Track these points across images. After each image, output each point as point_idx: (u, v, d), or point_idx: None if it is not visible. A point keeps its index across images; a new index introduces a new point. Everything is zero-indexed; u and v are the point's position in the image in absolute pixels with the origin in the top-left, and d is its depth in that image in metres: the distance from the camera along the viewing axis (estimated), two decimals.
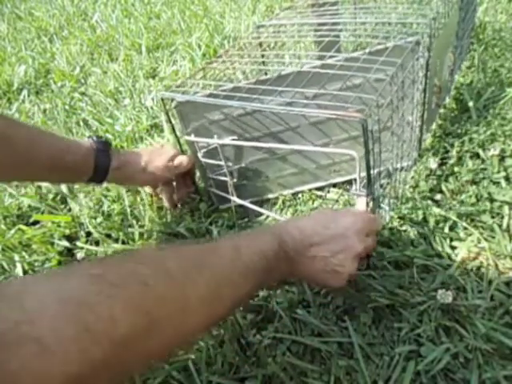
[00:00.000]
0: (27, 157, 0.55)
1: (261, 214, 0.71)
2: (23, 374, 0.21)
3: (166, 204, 0.74)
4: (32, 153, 0.55)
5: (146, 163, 0.66)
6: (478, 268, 0.54)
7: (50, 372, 0.22)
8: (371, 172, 0.49)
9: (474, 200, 0.62)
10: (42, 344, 0.22)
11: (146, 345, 0.28)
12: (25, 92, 1.33)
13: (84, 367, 0.23)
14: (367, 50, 0.58)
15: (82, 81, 1.37)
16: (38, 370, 0.21)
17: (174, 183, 0.72)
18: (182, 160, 0.68)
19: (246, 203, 0.70)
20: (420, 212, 0.62)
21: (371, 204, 0.54)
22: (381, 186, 0.59)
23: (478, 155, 0.70)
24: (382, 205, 0.60)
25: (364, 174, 0.50)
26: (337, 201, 0.69)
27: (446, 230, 0.59)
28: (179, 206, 0.75)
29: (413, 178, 0.69)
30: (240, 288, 0.38)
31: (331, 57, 0.59)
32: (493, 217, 0.60)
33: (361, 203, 0.53)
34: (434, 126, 0.79)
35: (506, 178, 0.64)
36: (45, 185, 0.84)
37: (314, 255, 0.45)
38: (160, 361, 0.31)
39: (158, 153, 0.68)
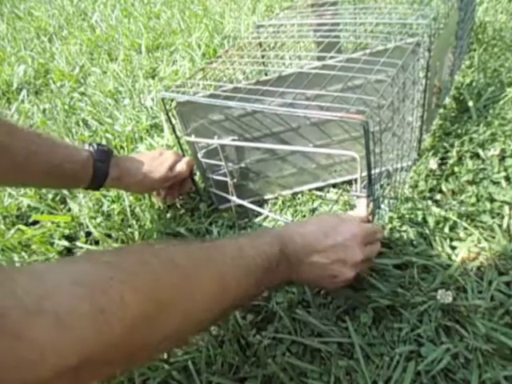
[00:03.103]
0: (25, 165, 0.55)
1: (260, 214, 0.71)
2: (43, 343, 0.22)
3: (159, 203, 0.75)
4: (30, 160, 0.55)
5: (145, 174, 0.66)
6: (478, 268, 0.54)
7: (66, 345, 0.23)
8: (372, 173, 0.49)
9: (474, 200, 0.62)
10: (59, 318, 0.23)
11: (155, 331, 0.29)
12: (24, 92, 1.33)
13: (97, 347, 0.24)
14: (368, 51, 0.58)
15: (82, 81, 1.37)
16: (55, 341, 0.23)
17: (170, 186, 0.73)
18: (181, 170, 0.68)
19: (246, 203, 0.70)
20: (420, 212, 0.62)
21: (371, 205, 0.54)
22: (381, 186, 0.59)
23: (478, 155, 0.70)
24: (381, 205, 0.60)
25: (364, 174, 0.50)
26: (336, 201, 0.69)
27: (446, 230, 0.59)
28: (178, 205, 0.75)
29: (412, 178, 0.69)
30: (242, 285, 0.39)
31: (332, 57, 0.59)
32: (493, 217, 0.60)
33: (361, 204, 0.53)
34: (434, 126, 0.79)
35: (506, 178, 0.64)
36: None
37: (313, 261, 0.46)
38: (167, 350, 0.33)
39: (158, 161, 0.68)
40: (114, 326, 0.25)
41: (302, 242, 0.46)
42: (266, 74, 0.81)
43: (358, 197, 0.53)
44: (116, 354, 0.26)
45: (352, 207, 0.68)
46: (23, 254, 0.71)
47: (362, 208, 0.54)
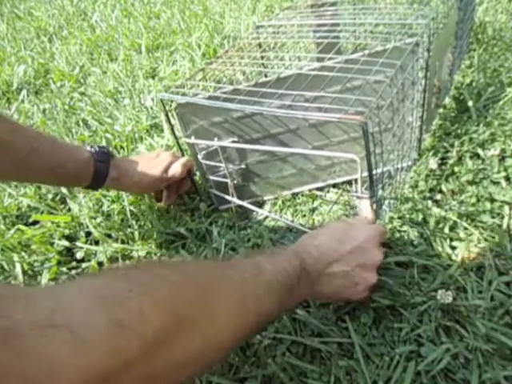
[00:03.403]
0: (27, 162, 0.55)
1: (261, 215, 0.71)
2: (53, 360, 0.20)
3: (159, 204, 0.75)
4: (32, 158, 0.55)
5: (141, 175, 0.67)
6: (478, 268, 0.54)
7: (79, 362, 0.21)
8: (373, 174, 0.49)
9: (474, 200, 0.62)
10: (73, 332, 0.21)
11: (176, 350, 0.27)
12: (24, 92, 1.33)
13: (114, 363, 0.22)
14: (366, 52, 0.58)
15: (82, 81, 1.37)
16: (67, 357, 0.21)
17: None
18: (175, 172, 0.68)
19: (246, 204, 0.70)
20: (420, 212, 0.62)
21: (375, 206, 0.54)
22: (382, 187, 0.59)
23: (478, 155, 0.70)
24: (382, 206, 0.60)
25: (365, 175, 0.50)
26: (336, 201, 0.69)
27: (446, 230, 0.59)
28: (178, 205, 0.75)
29: (412, 178, 0.69)
30: (265, 304, 0.36)
31: (330, 58, 0.59)
32: (493, 217, 0.60)
33: (365, 206, 0.53)
34: (434, 126, 0.79)
35: (507, 178, 0.64)
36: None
37: (333, 272, 0.44)
38: (190, 376, 0.29)
39: (154, 163, 0.68)
40: (133, 342, 0.23)
41: (318, 254, 0.44)
42: (265, 75, 0.81)
43: (359, 198, 0.53)
44: (134, 374, 0.24)
45: (352, 207, 0.68)
46: (23, 254, 0.71)
47: (366, 210, 0.53)
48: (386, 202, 0.62)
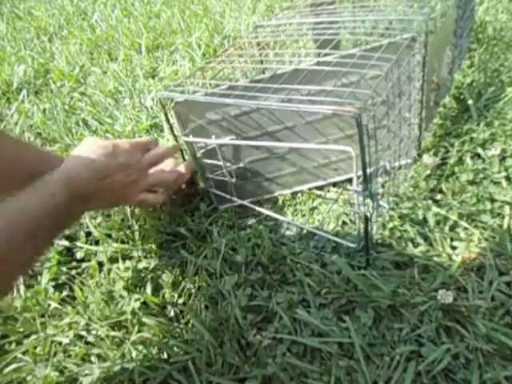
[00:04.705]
0: (13, 168, 0.56)
1: (260, 214, 0.71)
2: None
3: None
4: (18, 164, 0.56)
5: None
6: (479, 268, 0.54)
7: None
8: (367, 168, 0.49)
9: (474, 200, 0.62)
10: None
11: None
12: (24, 92, 1.33)
13: None
14: (362, 48, 0.58)
15: (82, 81, 1.37)
16: None
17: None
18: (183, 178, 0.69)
19: (246, 203, 0.70)
20: (420, 212, 0.62)
21: (369, 200, 0.53)
22: (382, 185, 0.59)
23: (478, 155, 0.70)
24: (381, 203, 0.60)
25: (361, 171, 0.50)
26: (336, 200, 0.69)
27: (447, 229, 0.59)
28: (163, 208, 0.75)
29: (413, 177, 0.69)
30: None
31: (327, 54, 0.59)
32: (493, 217, 0.59)
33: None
34: (434, 126, 0.79)
35: (507, 178, 0.64)
36: None
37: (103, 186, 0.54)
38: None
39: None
40: None
41: (88, 174, 0.53)
42: (264, 73, 0.81)
43: (356, 193, 0.52)
44: None
45: (352, 205, 0.68)
46: None
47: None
48: (386, 199, 0.62)
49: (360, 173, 0.49)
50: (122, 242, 0.69)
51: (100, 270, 0.66)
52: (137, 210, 0.74)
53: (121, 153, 0.56)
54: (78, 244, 0.71)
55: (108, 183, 0.54)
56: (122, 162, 0.56)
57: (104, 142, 0.57)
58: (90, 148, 0.55)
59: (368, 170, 0.49)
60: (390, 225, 0.62)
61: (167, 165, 0.69)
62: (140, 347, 0.54)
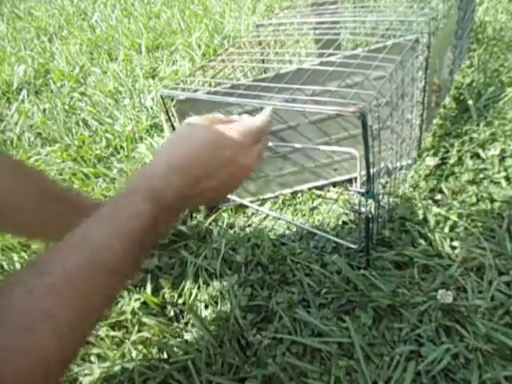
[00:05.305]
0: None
1: (261, 214, 0.71)
2: None
3: None
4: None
5: None
6: (479, 268, 0.54)
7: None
8: (371, 169, 0.49)
9: (474, 200, 0.62)
10: None
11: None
12: (24, 92, 1.33)
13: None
14: (366, 48, 0.58)
15: (82, 81, 1.37)
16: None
17: None
18: None
19: (246, 202, 0.70)
20: (420, 212, 0.62)
21: (371, 201, 0.53)
22: (383, 186, 0.59)
23: (478, 155, 0.70)
24: (381, 203, 0.60)
25: (364, 172, 0.50)
26: (336, 200, 0.69)
27: (446, 229, 0.59)
28: None
29: (413, 177, 0.69)
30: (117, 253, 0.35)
31: (330, 55, 0.59)
32: (493, 217, 0.59)
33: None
34: (434, 126, 0.79)
35: (507, 178, 0.64)
36: None
37: (202, 189, 0.41)
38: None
39: None
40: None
41: (180, 182, 0.40)
42: (265, 72, 0.81)
43: (357, 193, 0.52)
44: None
45: (352, 206, 0.68)
46: (23, 253, 0.71)
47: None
48: (386, 199, 0.62)
49: (363, 173, 0.49)
50: None
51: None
52: None
53: (227, 145, 0.42)
54: None
55: (206, 184, 0.41)
56: (227, 156, 0.42)
57: (208, 130, 0.43)
58: (187, 138, 0.42)
59: (371, 171, 0.49)
60: (390, 225, 0.62)
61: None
62: (140, 347, 0.54)
